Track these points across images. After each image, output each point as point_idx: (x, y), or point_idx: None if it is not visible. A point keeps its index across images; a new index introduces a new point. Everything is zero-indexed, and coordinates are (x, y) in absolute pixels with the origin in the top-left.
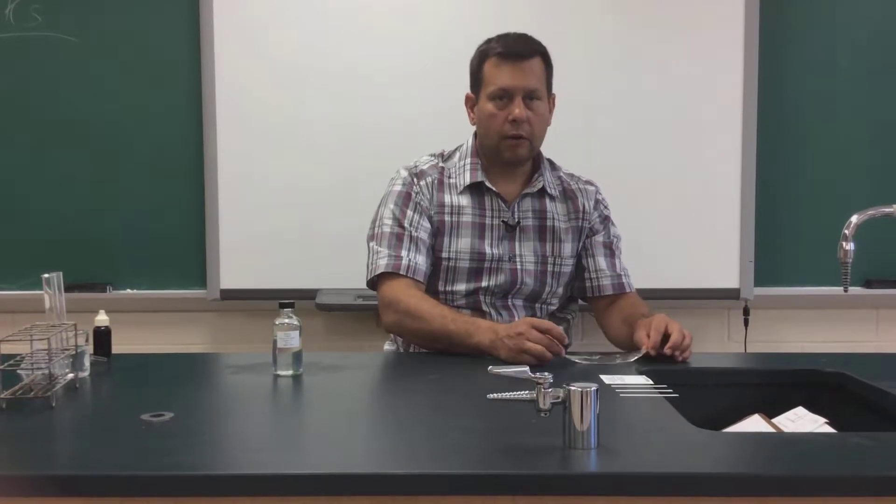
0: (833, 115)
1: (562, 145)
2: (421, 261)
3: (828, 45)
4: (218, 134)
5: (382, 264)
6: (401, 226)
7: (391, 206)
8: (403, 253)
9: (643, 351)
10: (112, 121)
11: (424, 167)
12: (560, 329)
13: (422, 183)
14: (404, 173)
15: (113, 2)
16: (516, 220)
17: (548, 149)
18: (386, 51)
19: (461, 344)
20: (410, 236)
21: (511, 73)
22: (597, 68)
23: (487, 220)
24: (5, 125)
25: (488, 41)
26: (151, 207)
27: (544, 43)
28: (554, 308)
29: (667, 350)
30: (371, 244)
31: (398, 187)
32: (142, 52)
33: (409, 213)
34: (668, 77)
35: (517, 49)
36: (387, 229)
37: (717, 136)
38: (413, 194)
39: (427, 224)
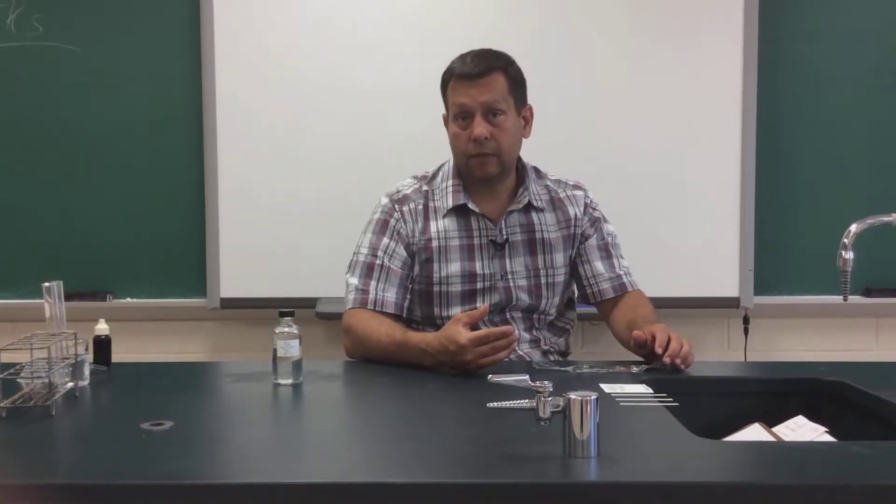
0: (833, 123)
1: (558, 151)
2: (391, 294)
3: (827, 52)
4: (218, 143)
5: (350, 299)
6: (374, 254)
7: (369, 234)
8: (372, 285)
9: (653, 365)
10: (113, 130)
11: (407, 191)
12: (501, 329)
13: (404, 209)
14: (384, 200)
15: (114, 12)
16: (504, 237)
17: (544, 153)
18: (385, 66)
19: (406, 363)
20: (382, 266)
21: (467, 91)
22: (593, 76)
23: (475, 241)
24: (6, 133)
25: (452, 61)
26: (151, 216)
27: (543, 49)
28: (552, 318)
29: (665, 358)
30: (346, 276)
31: (377, 215)
32: (143, 62)
33: (385, 240)
34: (667, 85)
35: (472, 68)
36: (361, 258)
37: (716, 144)
38: (392, 221)
39: (402, 252)
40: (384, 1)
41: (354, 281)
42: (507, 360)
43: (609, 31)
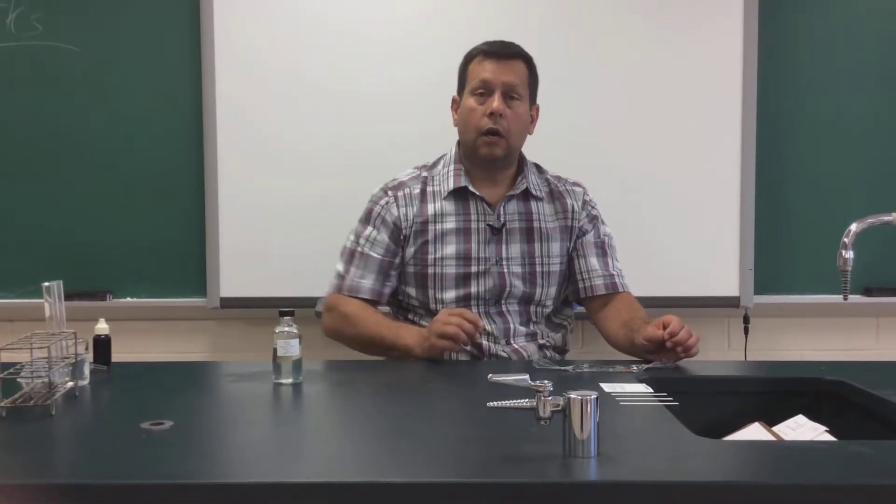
0: (833, 121)
1: (558, 149)
2: (367, 280)
3: (828, 51)
4: (218, 142)
5: (332, 284)
6: (357, 242)
7: (357, 224)
8: (352, 270)
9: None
10: (113, 129)
11: (404, 179)
12: (472, 314)
13: (399, 194)
14: (376, 190)
15: (114, 12)
16: (501, 222)
17: (543, 152)
18: (385, 68)
19: (392, 346)
20: (361, 253)
21: (492, 67)
22: (594, 77)
23: (472, 225)
24: (5, 133)
25: (477, 46)
26: (151, 215)
27: (543, 51)
28: (549, 311)
29: (668, 343)
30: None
31: (367, 204)
32: (143, 63)
33: (368, 228)
34: (668, 85)
35: (501, 48)
36: (347, 244)
37: (716, 142)
38: (377, 209)
39: (384, 239)
40: (385, 4)
41: (339, 267)
42: (505, 357)
43: (608, 33)
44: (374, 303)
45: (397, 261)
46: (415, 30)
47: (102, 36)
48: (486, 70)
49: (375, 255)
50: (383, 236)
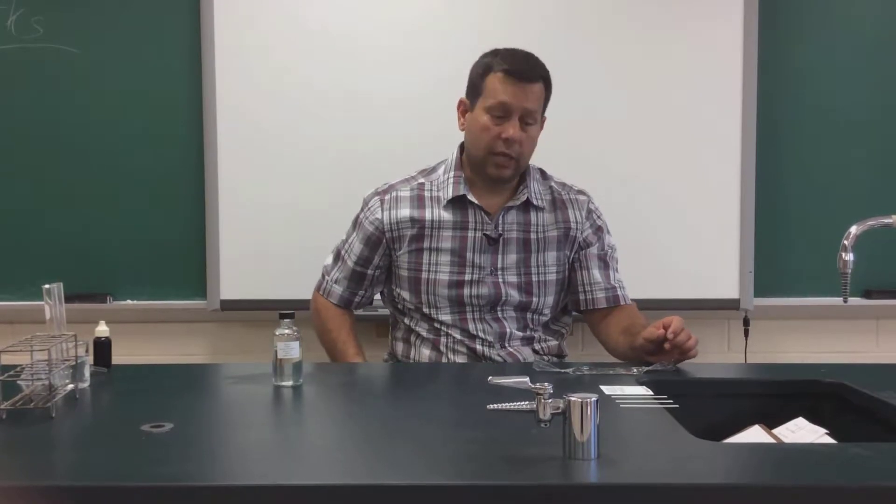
0: (834, 123)
1: (558, 151)
2: (340, 286)
3: (827, 54)
4: (218, 144)
5: (316, 284)
6: (344, 243)
7: (349, 226)
8: (333, 272)
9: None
10: (113, 131)
11: (394, 182)
12: None
13: (386, 197)
14: (367, 194)
15: (114, 14)
16: (499, 232)
17: (543, 153)
18: (385, 72)
19: (342, 357)
20: (343, 258)
21: (514, 91)
22: (593, 79)
23: (469, 234)
24: (6, 135)
25: (495, 53)
26: (152, 217)
27: (543, 54)
28: (546, 318)
29: (667, 345)
30: None
31: (358, 209)
32: (143, 65)
33: (352, 234)
34: (668, 87)
35: (524, 70)
36: (338, 241)
37: (716, 144)
38: (362, 213)
39: (359, 247)
40: (386, 7)
41: (327, 261)
42: (500, 360)
43: (608, 33)
44: (343, 308)
45: (370, 271)
46: (416, 32)
47: (103, 37)
48: (506, 93)
49: (350, 262)
50: (359, 245)
